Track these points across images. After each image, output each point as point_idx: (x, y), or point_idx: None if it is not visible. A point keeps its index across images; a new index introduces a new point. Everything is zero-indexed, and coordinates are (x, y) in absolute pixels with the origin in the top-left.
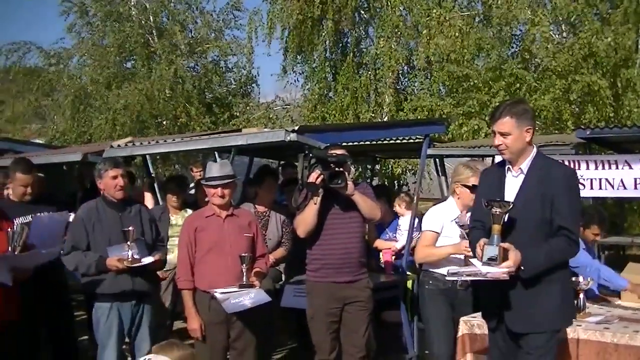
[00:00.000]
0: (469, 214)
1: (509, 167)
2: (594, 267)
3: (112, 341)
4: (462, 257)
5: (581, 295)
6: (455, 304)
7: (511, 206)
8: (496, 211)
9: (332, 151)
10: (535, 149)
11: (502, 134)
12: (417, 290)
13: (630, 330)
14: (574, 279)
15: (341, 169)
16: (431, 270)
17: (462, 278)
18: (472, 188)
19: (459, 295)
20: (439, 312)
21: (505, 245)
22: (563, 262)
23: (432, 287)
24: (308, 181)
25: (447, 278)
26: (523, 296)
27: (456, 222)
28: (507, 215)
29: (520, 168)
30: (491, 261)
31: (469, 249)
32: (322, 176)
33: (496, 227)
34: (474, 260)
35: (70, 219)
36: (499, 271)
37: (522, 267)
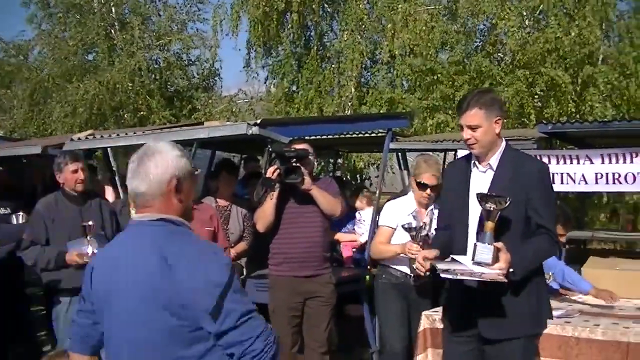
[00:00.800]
0: (431, 211)
1: (474, 162)
2: (559, 268)
3: None
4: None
5: None
6: (409, 299)
7: (508, 202)
8: (490, 207)
9: (296, 145)
10: (504, 142)
11: (471, 127)
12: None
13: (591, 324)
14: None
15: (297, 164)
16: (385, 264)
17: (457, 277)
18: (420, 186)
19: (413, 290)
20: (392, 307)
21: (499, 244)
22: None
23: (385, 280)
24: (265, 176)
25: (441, 275)
26: (498, 300)
27: (403, 227)
28: (479, 215)
29: (489, 163)
30: (482, 262)
31: (414, 251)
32: (278, 171)
33: (489, 225)
34: (461, 258)
35: (23, 219)
36: (494, 272)
37: (512, 269)
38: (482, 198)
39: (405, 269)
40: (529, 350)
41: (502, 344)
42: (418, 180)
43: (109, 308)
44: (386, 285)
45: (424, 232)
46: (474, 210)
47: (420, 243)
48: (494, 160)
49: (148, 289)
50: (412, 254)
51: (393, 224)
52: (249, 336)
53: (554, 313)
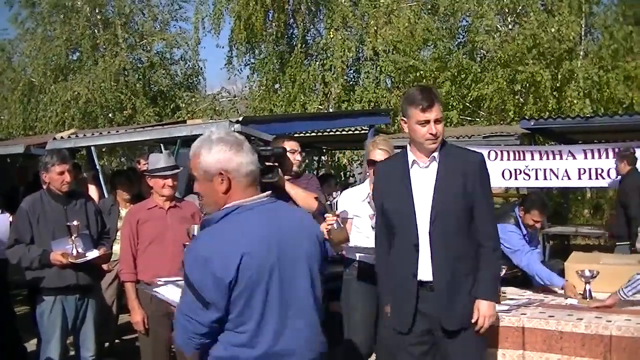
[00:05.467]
0: None
1: (414, 160)
2: (525, 254)
3: (55, 335)
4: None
5: None
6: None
7: None
8: None
9: (285, 143)
10: None
11: (438, 121)
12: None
13: (574, 318)
14: None
15: (273, 164)
16: (349, 257)
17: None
18: (370, 163)
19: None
20: (355, 303)
21: None
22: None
23: (349, 276)
24: None
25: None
26: (454, 294)
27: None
28: (431, 209)
29: (433, 156)
30: None
31: (330, 220)
32: None
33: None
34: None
35: (9, 219)
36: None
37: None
38: None
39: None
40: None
41: (460, 334)
42: (369, 159)
43: (269, 284)
44: (349, 281)
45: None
46: (422, 208)
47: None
48: (436, 153)
49: (314, 253)
50: (328, 225)
51: (350, 213)
52: None
53: (512, 302)
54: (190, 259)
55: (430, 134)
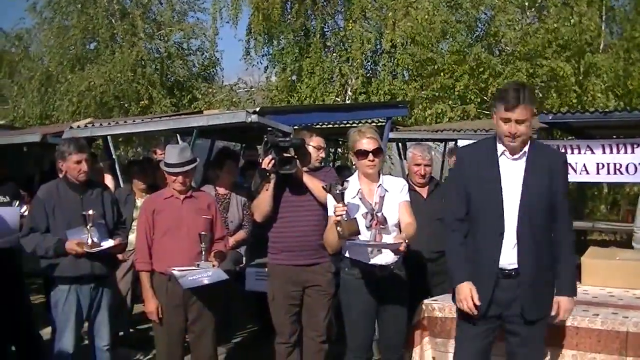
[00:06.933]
0: (381, 188)
1: (504, 151)
2: None
3: (70, 325)
4: (365, 242)
5: None
6: (378, 294)
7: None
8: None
9: (311, 138)
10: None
11: (519, 122)
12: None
13: (590, 314)
14: None
15: (291, 155)
16: (348, 256)
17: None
18: (360, 154)
19: (381, 283)
20: (354, 302)
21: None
22: None
23: (347, 275)
24: (261, 167)
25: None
26: (539, 285)
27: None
28: (519, 202)
29: (524, 151)
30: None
31: (339, 211)
32: (273, 161)
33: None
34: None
35: (22, 210)
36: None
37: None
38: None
39: (370, 261)
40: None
41: (534, 325)
42: (357, 150)
43: None
44: (349, 280)
45: (376, 211)
46: (510, 199)
47: (371, 219)
48: (527, 148)
49: None
50: (338, 215)
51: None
52: None
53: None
54: None
55: (510, 132)
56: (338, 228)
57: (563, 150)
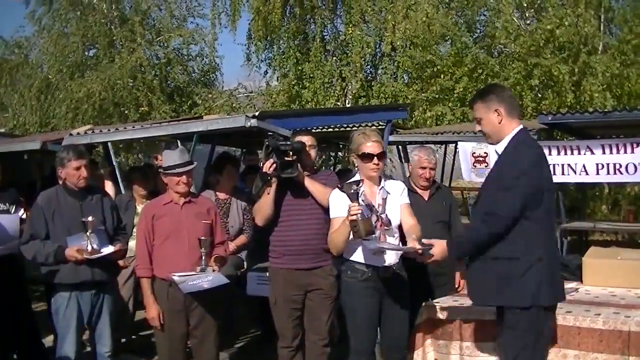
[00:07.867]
0: (383, 190)
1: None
2: None
3: (71, 331)
4: (373, 243)
5: None
6: (381, 295)
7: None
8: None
9: (300, 137)
10: (514, 132)
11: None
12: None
13: (592, 313)
14: None
15: (292, 158)
16: (350, 259)
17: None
18: (365, 157)
19: (384, 284)
20: (358, 305)
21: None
22: None
23: (350, 278)
24: (262, 171)
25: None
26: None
27: (338, 188)
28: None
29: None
30: None
31: (355, 210)
32: (274, 165)
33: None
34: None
35: (23, 215)
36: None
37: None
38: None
39: (374, 262)
40: None
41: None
42: (361, 153)
43: None
44: (350, 283)
45: (380, 213)
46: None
47: (375, 220)
48: (500, 147)
49: None
50: (353, 215)
51: (342, 212)
52: None
53: None
54: None
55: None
56: (355, 227)
57: (563, 151)
